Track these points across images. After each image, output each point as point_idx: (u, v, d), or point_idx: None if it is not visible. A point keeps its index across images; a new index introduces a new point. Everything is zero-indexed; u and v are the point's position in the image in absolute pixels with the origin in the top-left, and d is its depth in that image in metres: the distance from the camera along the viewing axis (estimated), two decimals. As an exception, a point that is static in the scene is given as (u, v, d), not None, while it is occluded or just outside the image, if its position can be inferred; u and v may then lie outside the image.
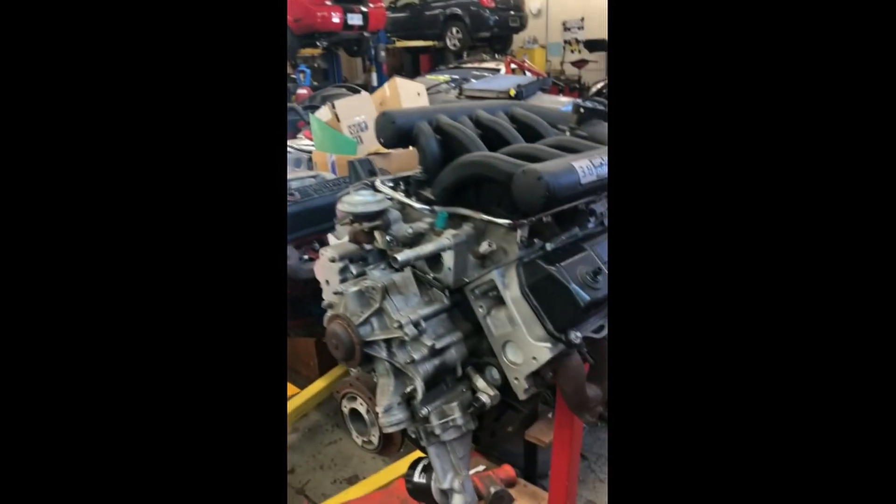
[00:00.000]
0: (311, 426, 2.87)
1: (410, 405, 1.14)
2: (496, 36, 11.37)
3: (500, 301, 1.11)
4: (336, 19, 8.97)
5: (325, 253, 1.21)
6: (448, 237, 1.12)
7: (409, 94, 4.27)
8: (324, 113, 4.05)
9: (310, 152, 3.64)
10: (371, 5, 9.45)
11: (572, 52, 11.87)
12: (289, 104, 5.31)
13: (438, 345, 1.11)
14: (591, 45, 11.07)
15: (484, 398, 1.16)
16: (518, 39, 12.29)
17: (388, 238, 1.18)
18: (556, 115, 1.48)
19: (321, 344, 2.81)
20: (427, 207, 1.20)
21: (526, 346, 1.08)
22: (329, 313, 1.17)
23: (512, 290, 1.08)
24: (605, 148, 1.17)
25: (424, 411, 1.13)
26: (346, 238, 1.21)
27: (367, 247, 1.20)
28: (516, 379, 1.12)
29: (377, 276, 1.16)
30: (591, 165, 1.05)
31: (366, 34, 9.74)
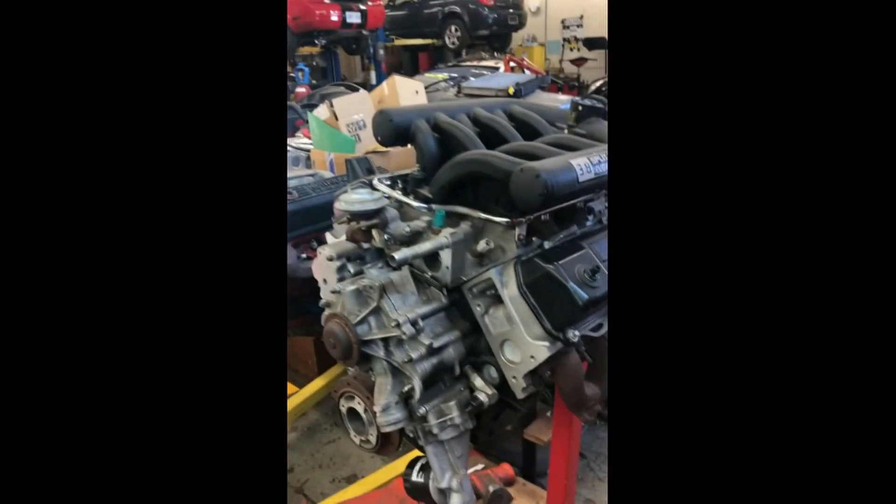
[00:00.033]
0: (310, 425, 2.87)
1: (408, 404, 1.14)
2: (495, 34, 11.37)
3: (497, 300, 1.11)
4: (334, 17, 8.96)
5: (323, 252, 1.20)
6: (446, 235, 1.11)
7: (407, 92, 4.27)
8: (322, 111, 4.05)
9: (308, 151, 3.64)
10: (370, 3, 9.43)
11: (571, 50, 11.88)
12: (287, 102, 5.30)
13: (436, 344, 1.11)
14: (590, 44, 11.07)
15: (482, 397, 1.15)
16: (517, 37, 12.29)
17: (385, 237, 1.18)
18: (555, 114, 1.48)
19: (319, 343, 2.80)
20: (425, 206, 1.19)
21: (524, 345, 1.07)
22: (327, 312, 1.17)
23: (510, 288, 1.08)
24: (604, 146, 1.17)
25: (422, 410, 1.12)
26: (344, 237, 1.21)
27: (365, 245, 1.20)
28: (514, 378, 1.12)
29: (375, 274, 1.16)
30: (589, 163, 1.04)
31: (364, 32, 9.73)
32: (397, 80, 4.40)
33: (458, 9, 11.01)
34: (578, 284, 1.03)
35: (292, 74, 7.78)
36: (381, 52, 10.37)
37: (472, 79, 6.36)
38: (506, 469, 1.51)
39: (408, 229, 1.17)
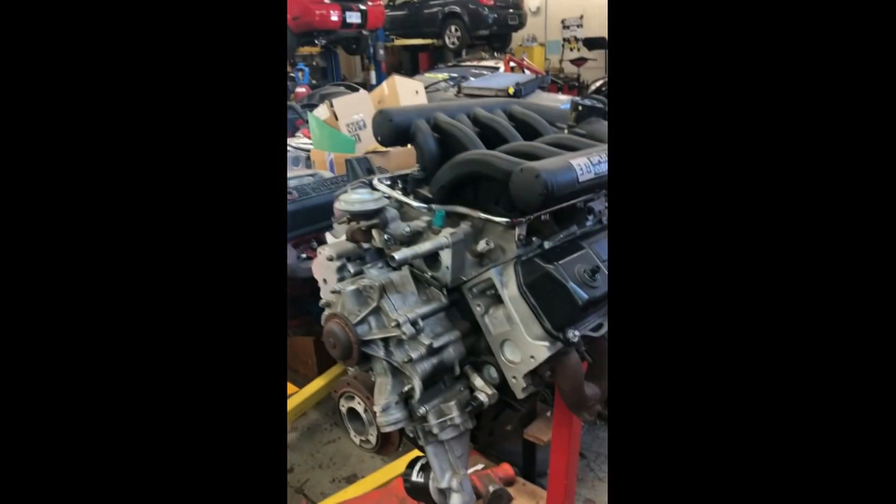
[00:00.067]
0: (310, 425, 2.87)
1: (408, 404, 1.14)
2: (495, 34, 11.36)
3: (497, 300, 1.11)
4: (334, 17, 8.96)
5: (323, 252, 1.20)
6: (446, 235, 1.11)
7: (407, 92, 4.27)
8: (322, 111, 4.05)
9: (308, 151, 3.64)
10: (370, 3, 9.43)
11: (571, 50, 11.88)
12: (287, 102, 5.30)
13: (436, 344, 1.11)
14: (590, 44, 11.07)
15: (482, 397, 1.15)
16: (517, 37, 12.28)
17: (385, 237, 1.18)
18: (555, 113, 1.48)
19: (319, 343, 2.80)
20: (425, 206, 1.19)
21: (524, 345, 1.07)
22: (326, 312, 1.17)
23: (510, 288, 1.08)
24: (604, 146, 1.17)
25: (422, 410, 1.12)
26: (344, 237, 1.21)
27: (365, 245, 1.20)
28: (514, 377, 1.12)
29: (375, 274, 1.16)
30: (589, 163, 1.04)
31: (364, 32, 9.73)
32: (397, 80, 4.40)
33: (458, 9, 11.00)
34: (578, 284, 1.03)
35: (292, 74, 7.78)
36: (381, 52, 10.36)
37: (471, 79, 6.36)
38: (506, 469, 1.51)
39: (408, 229, 1.17)
